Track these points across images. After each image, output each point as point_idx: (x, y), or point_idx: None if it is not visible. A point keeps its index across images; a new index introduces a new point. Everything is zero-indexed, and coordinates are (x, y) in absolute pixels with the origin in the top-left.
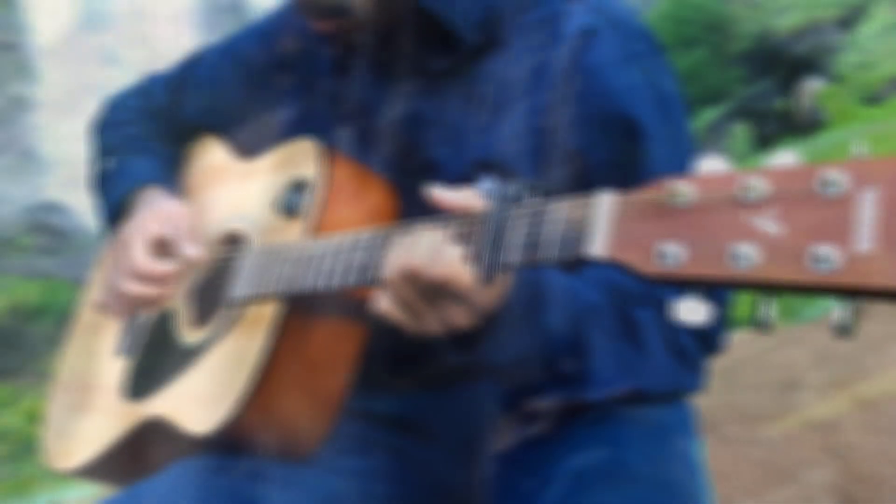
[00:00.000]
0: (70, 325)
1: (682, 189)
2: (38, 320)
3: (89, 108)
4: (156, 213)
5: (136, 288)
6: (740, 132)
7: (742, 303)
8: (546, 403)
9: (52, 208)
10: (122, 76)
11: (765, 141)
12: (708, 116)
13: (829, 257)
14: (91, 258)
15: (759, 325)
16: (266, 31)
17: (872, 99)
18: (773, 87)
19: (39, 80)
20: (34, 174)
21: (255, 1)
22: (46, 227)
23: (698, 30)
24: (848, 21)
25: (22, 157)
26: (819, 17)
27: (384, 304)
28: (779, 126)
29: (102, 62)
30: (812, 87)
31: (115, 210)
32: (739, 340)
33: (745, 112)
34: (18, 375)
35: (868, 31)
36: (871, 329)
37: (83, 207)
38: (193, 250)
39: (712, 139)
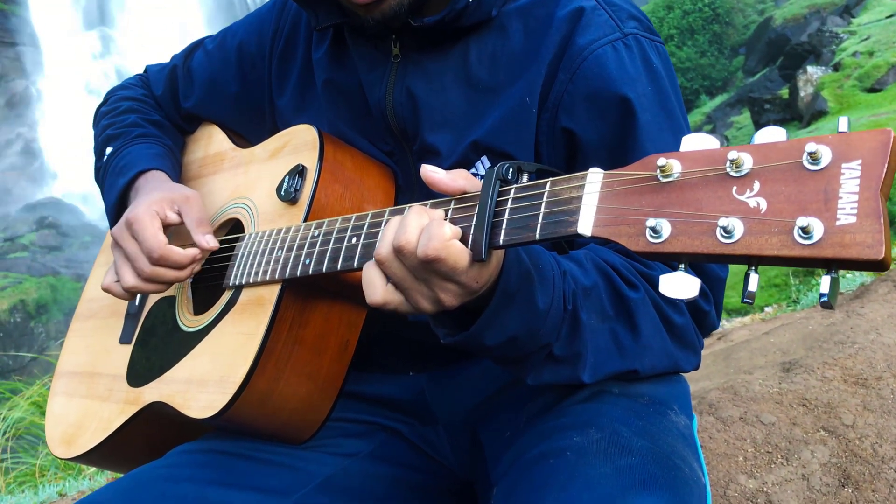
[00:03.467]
0: (71, 316)
1: (669, 165)
2: (44, 316)
3: (93, 104)
4: (166, 197)
5: (156, 271)
6: (742, 120)
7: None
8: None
9: (56, 205)
10: (124, 70)
11: None
12: (710, 105)
13: (812, 230)
14: (94, 255)
15: (747, 298)
16: (261, 21)
17: (873, 86)
18: (775, 76)
19: (43, 76)
20: (38, 171)
21: None
22: (50, 224)
23: (700, 19)
24: (848, 9)
25: (25, 154)
26: (820, 6)
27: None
28: (780, 114)
29: (105, 58)
30: (813, 76)
31: (119, 196)
32: (738, 324)
33: (746, 100)
34: (25, 370)
35: (868, 19)
36: (866, 310)
37: (87, 204)
38: (210, 241)
39: (714, 127)
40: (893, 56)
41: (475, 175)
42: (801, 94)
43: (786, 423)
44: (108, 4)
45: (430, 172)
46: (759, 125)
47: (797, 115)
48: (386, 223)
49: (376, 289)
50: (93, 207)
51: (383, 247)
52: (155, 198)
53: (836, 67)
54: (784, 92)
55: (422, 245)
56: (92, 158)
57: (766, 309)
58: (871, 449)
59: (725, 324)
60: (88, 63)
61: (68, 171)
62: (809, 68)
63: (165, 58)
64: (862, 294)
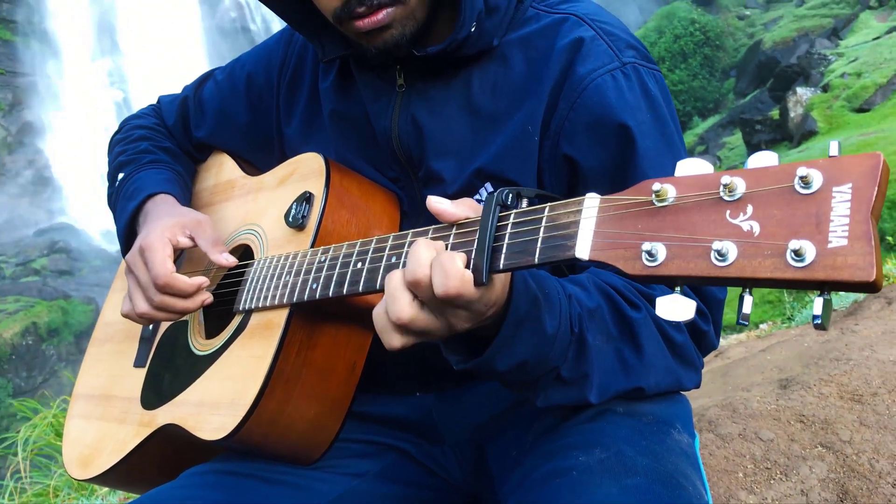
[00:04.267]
0: (87, 340)
1: (664, 190)
2: (55, 339)
3: (102, 133)
4: (177, 223)
5: (165, 299)
6: (734, 141)
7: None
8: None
9: (67, 230)
10: (133, 100)
11: (758, 150)
12: (702, 126)
13: (804, 253)
14: (104, 279)
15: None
16: (268, 52)
17: (861, 107)
18: (765, 97)
19: (54, 105)
20: (49, 197)
21: (261, 27)
22: (61, 249)
23: (691, 42)
24: (836, 32)
25: (37, 181)
26: (808, 29)
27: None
28: (771, 134)
29: (115, 87)
30: (802, 97)
31: (128, 220)
32: (734, 341)
33: (738, 121)
34: (37, 392)
35: (856, 41)
36: (860, 327)
37: (96, 229)
38: (228, 258)
39: (706, 148)
40: (881, 77)
41: (479, 202)
42: (792, 114)
43: (784, 439)
44: (117, 35)
45: (436, 203)
46: (750, 146)
47: (788, 135)
48: (391, 253)
49: (394, 338)
50: (103, 232)
51: (394, 282)
52: (167, 223)
53: (825, 88)
54: (774, 113)
55: (440, 285)
56: (102, 183)
57: (762, 326)
58: (869, 464)
59: (721, 341)
60: (98, 92)
61: (79, 197)
62: (799, 89)
63: (174, 87)
64: (855, 311)
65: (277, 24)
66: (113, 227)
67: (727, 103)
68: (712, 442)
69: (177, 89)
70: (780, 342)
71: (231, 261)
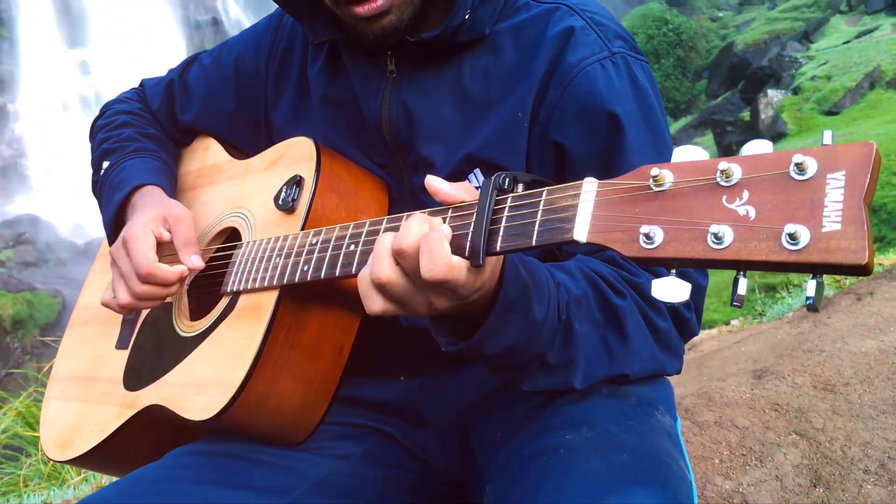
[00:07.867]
0: (53, 333)
1: (662, 175)
2: (19, 331)
3: (72, 123)
4: (160, 215)
5: (147, 289)
6: (705, 141)
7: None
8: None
9: (34, 222)
10: (104, 90)
11: (728, 152)
12: (674, 127)
13: (799, 237)
14: (71, 271)
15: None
16: (257, 38)
17: (831, 110)
18: (736, 99)
19: (21, 93)
20: (16, 188)
21: (233, 20)
22: (27, 241)
23: (664, 43)
24: (807, 35)
25: (3, 171)
26: (780, 32)
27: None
28: (742, 136)
29: (85, 77)
30: (773, 99)
31: (116, 211)
32: (706, 336)
33: (709, 122)
34: (3, 383)
35: (826, 44)
36: (832, 320)
37: (64, 221)
38: (196, 262)
39: None
40: (850, 80)
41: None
42: (762, 116)
43: (759, 427)
44: (87, 26)
45: (434, 182)
46: (721, 147)
47: (758, 136)
48: (379, 235)
49: (375, 301)
50: (70, 224)
51: (383, 270)
52: (150, 215)
53: (796, 91)
54: (745, 114)
55: (426, 269)
56: (71, 175)
57: (733, 322)
58: (841, 451)
59: None
60: (67, 82)
61: (46, 189)
62: (770, 92)
63: (140, 80)
64: (827, 305)
65: (252, 18)
66: (81, 220)
67: (699, 104)
68: (689, 429)
69: (161, 72)
70: (753, 335)
71: (198, 264)
